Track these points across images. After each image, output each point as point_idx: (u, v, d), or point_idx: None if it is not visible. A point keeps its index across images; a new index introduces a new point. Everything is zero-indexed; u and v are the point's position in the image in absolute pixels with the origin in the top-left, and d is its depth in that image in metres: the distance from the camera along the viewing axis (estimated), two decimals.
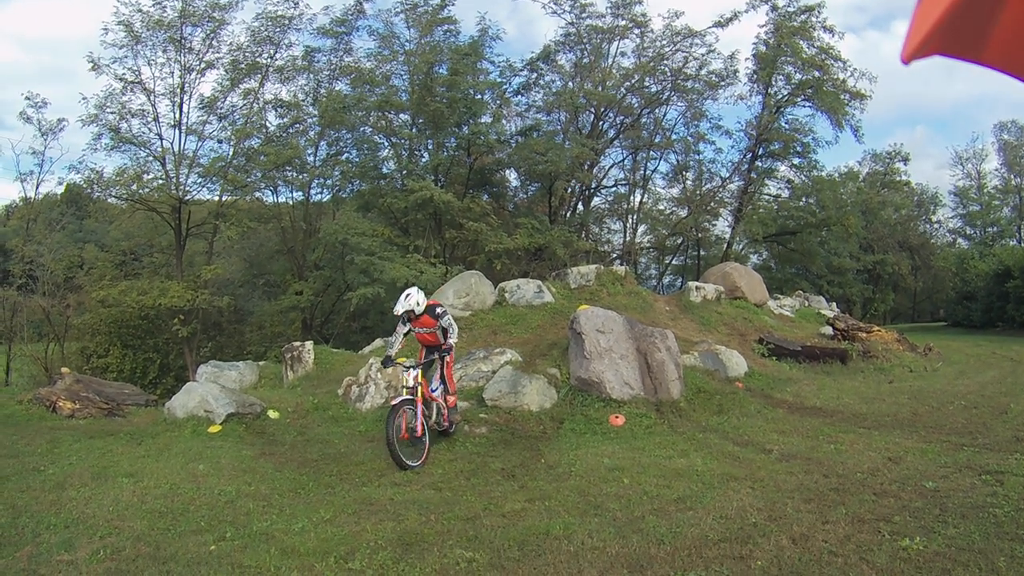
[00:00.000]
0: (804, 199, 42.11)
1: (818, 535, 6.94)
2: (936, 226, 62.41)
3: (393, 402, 11.28)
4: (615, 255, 42.81)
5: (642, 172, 42.20)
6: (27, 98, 30.31)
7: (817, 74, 36.85)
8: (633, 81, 36.62)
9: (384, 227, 30.82)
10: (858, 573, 6.13)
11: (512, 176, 39.41)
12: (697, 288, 24.55)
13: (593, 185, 39.99)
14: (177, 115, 29.67)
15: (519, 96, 38.13)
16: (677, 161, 42.92)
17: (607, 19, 37.33)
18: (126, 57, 28.76)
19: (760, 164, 40.84)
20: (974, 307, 41.01)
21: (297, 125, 33.51)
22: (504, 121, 36.26)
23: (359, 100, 31.97)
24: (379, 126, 34.08)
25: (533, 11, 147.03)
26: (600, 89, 36.06)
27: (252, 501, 8.90)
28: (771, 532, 7.09)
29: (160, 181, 28.96)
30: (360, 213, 32.53)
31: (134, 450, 11.87)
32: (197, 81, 30.19)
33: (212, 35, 29.84)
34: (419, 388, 11.31)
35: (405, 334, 12.15)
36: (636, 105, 37.83)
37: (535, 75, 37.40)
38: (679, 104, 39.55)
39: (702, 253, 46.44)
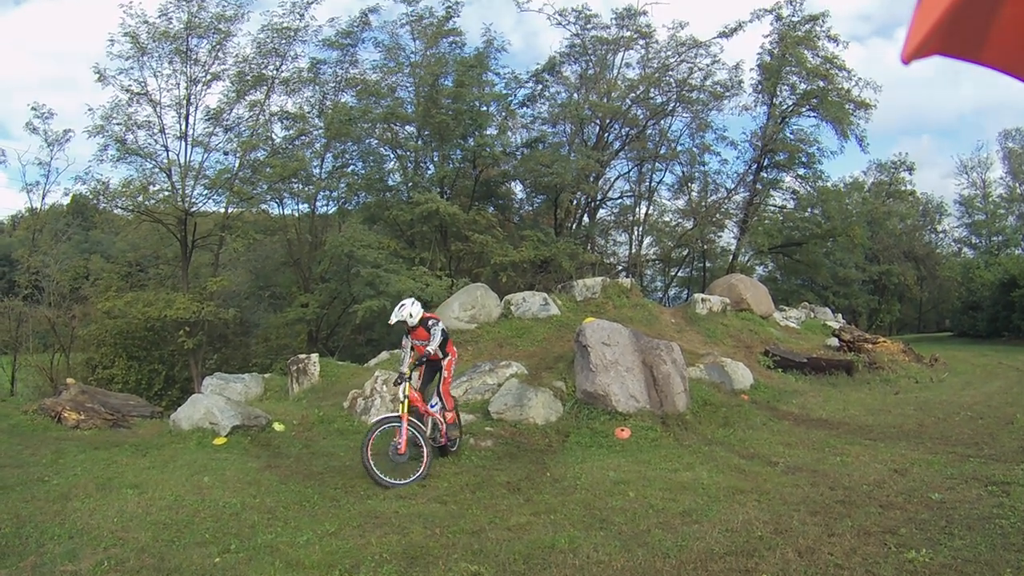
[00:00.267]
0: (809, 210, 41.99)
1: (824, 548, 6.93)
2: (941, 236, 62.33)
3: (375, 419, 11.35)
4: (621, 267, 42.80)
5: (647, 184, 42.23)
6: (33, 108, 30.32)
7: (822, 84, 36.87)
8: (638, 92, 36.60)
9: (390, 239, 30.84)
10: None
11: (518, 188, 39.49)
12: (703, 300, 24.53)
13: (598, 197, 39.91)
14: (183, 127, 29.71)
15: (524, 108, 38.21)
16: (682, 172, 42.86)
17: (612, 30, 37.43)
18: (132, 68, 28.82)
19: (765, 175, 40.86)
20: (980, 317, 40.95)
21: (303, 137, 33.53)
22: (509, 133, 36.24)
23: (365, 112, 32.02)
24: (385, 138, 34.12)
25: (538, 23, 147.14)
26: (605, 100, 36.01)
27: (257, 514, 8.89)
28: (777, 545, 7.08)
29: (166, 193, 28.97)
30: (366, 225, 32.51)
31: (139, 461, 11.87)
32: (203, 93, 30.21)
33: (218, 47, 29.87)
34: (406, 403, 11.26)
35: (411, 348, 12.08)
36: (641, 116, 37.79)
37: (540, 87, 37.51)
38: (684, 115, 39.57)
39: (708, 265, 46.36)
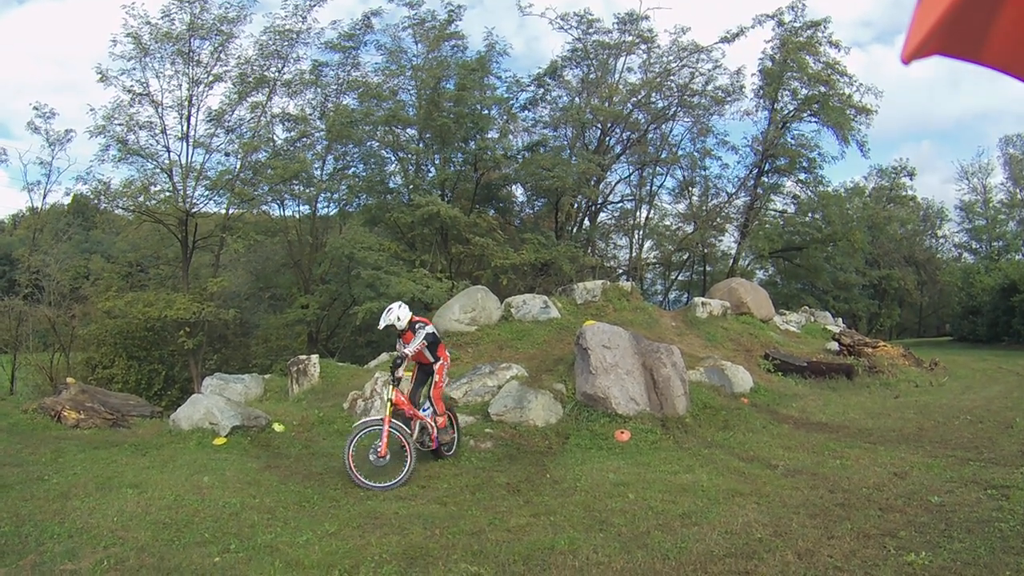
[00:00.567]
0: (810, 214, 41.96)
1: (823, 550, 6.94)
2: (942, 241, 62.35)
3: (357, 423, 11.38)
4: (621, 271, 42.77)
5: (648, 188, 42.22)
6: (35, 108, 30.33)
7: (823, 89, 36.87)
8: (639, 97, 36.62)
9: (390, 242, 30.81)
10: None
11: (518, 191, 39.41)
12: (703, 304, 24.53)
13: (599, 200, 39.89)
14: (185, 127, 29.69)
15: (526, 111, 38.14)
16: (683, 177, 42.89)
17: (614, 35, 37.34)
18: (134, 69, 28.79)
19: (766, 179, 40.83)
20: (980, 322, 40.96)
21: (304, 139, 33.50)
22: (511, 136, 36.26)
23: (366, 115, 32.02)
24: (386, 141, 34.07)
25: (540, 27, 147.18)
26: (607, 105, 36.01)
27: (257, 513, 8.90)
28: (776, 548, 7.08)
29: (167, 193, 28.95)
30: (367, 227, 32.47)
31: (139, 461, 11.89)
32: (205, 94, 30.18)
33: (220, 48, 29.87)
34: (389, 406, 11.27)
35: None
36: (642, 121, 37.77)
37: (542, 90, 37.44)
38: (685, 120, 39.55)
39: (708, 269, 46.30)
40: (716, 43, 36.40)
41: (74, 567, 6.96)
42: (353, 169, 35.54)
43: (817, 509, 8.41)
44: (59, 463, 11.56)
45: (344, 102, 34.38)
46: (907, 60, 1.68)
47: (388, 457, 10.84)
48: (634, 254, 43.09)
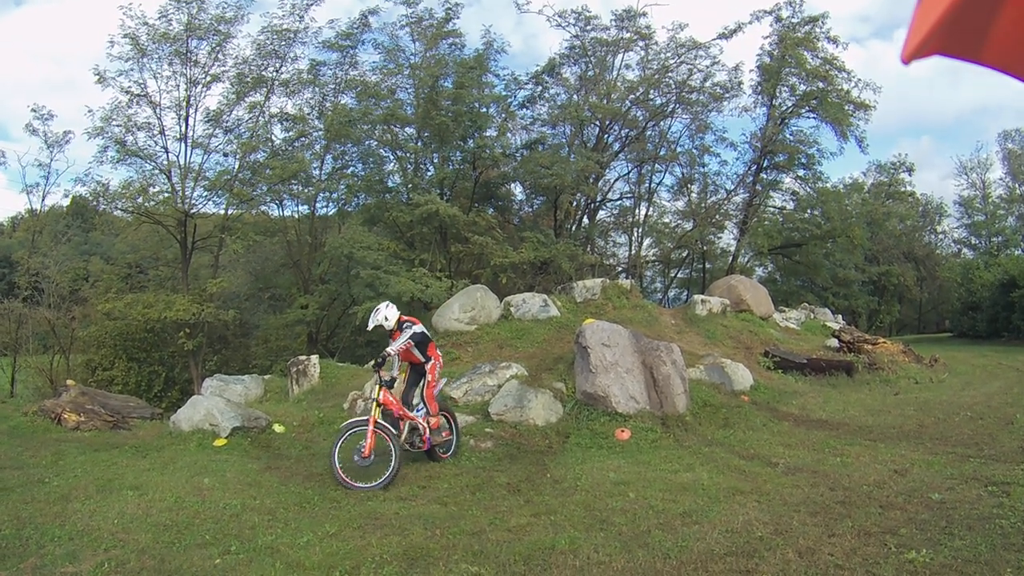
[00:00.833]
0: (809, 211, 41.91)
1: (824, 549, 6.94)
2: (941, 236, 62.22)
3: (344, 424, 11.41)
4: (620, 268, 42.80)
5: (647, 185, 42.29)
6: (33, 110, 30.32)
7: (821, 85, 36.93)
8: (638, 94, 36.61)
9: (390, 241, 30.86)
10: None
11: (517, 190, 39.47)
12: (703, 301, 24.53)
13: (598, 198, 39.91)
14: (183, 128, 29.69)
15: (524, 109, 38.18)
16: (682, 174, 42.89)
17: (611, 32, 37.44)
18: (132, 70, 28.78)
19: (765, 176, 40.89)
20: (979, 317, 40.93)
21: (303, 139, 33.50)
22: (509, 134, 36.27)
23: (364, 114, 32.04)
24: (385, 140, 34.10)
25: (538, 24, 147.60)
26: (605, 102, 35.98)
27: (257, 515, 8.89)
28: (777, 546, 7.08)
29: (166, 194, 28.95)
30: (366, 227, 32.50)
31: (139, 463, 11.89)
32: (203, 94, 30.17)
33: (218, 49, 29.85)
34: (375, 406, 11.27)
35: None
36: (641, 118, 37.80)
37: (540, 88, 37.45)
38: (684, 116, 39.64)
39: (707, 266, 46.37)
40: (714, 39, 36.51)
41: (75, 570, 6.97)
42: (352, 168, 35.62)
43: (818, 507, 8.41)
44: (59, 465, 11.57)
45: (342, 101, 34.43)
46: (907, 60, 1.68)
47: (372, 458, 10.85)
48: (633, 252, 43.17)
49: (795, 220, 41.53)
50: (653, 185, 42.66)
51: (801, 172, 40.44)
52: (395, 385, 12.22)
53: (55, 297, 32.44)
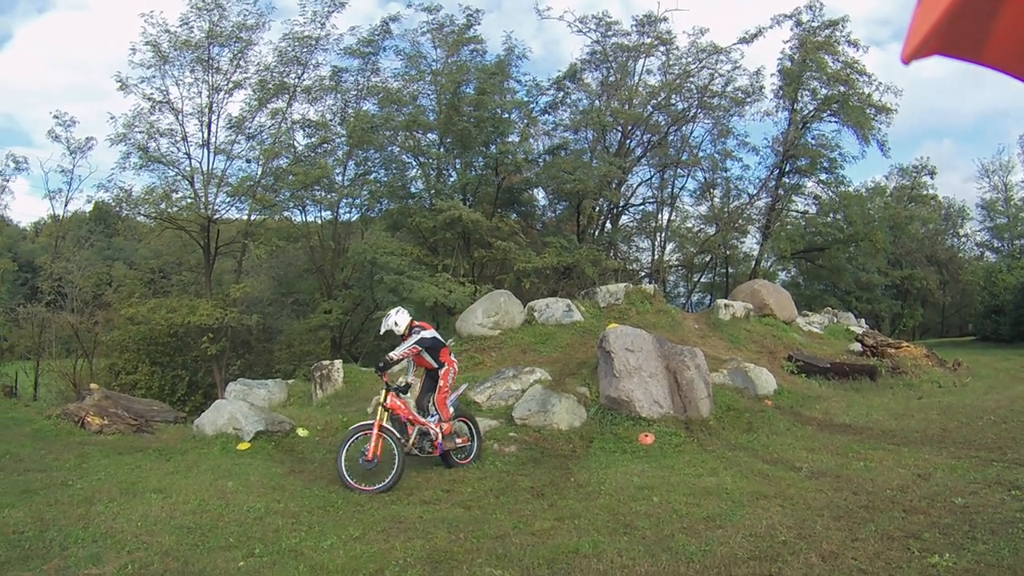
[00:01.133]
0: (832, 215, 41.75)
1: (848, 553, 6.91)
2: (964, 240, 61.60)
3: (352, 427, 11.49)
4: (644, 273, 42.66)
5: (670, 190, 42.07)
6: (55, 117, 30.44)
7: (843, 89, 36.66)
8: (659, 99, 36.49)
9: (413, 246, 30.87)
10: None
11: (540, 195, 39.47)
12: (726, 306, 24.44)
13: (621, 203, 39.83)
14: (205, 135, 29.78)
15: (546, 115, 38.01)
16: (704, 178, 42.76)
17: (632, 37, 37.23)
18: (154, 77, 28.89)
19: (787, 180, 40.63)
20: (1002, 321, 40.55)
21: (325, 145, 33.54)
22: (531, 140, 36.22)
23: (387, 120, 32.08)
24: (407, 146, 34.11)
25: (559, 30, 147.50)
26: (627, 107, 35.89)
27: (281, 518, 8.91)
28: (800, 550, 7.05)
29: (189, 200, 29.06)
30: (389, 232, 32.56)
31: (163, 466, 11.94)
32: (225, 101, 30.28)
33: (239, 55, 29.95)
34: (380, 411, 11.41)
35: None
36: (663, 123, 37.71)
37: (562, 94, 37.35)
38: (706, 121, 39.36)
39: (730, 271, 46.24)
40: (735, 44, 36.26)
41: (98, 571, 6.98)
42: (374, 174, 35.59)
43: (841, 511, 8.37)
44: (83, 468, 11.62)
45: (364, 107, 34.45)
46: (907, 60, 1.69)
47: (375, 461, 10.99)
48: (656, 256, 43.05)
49: (818, 224, 41.36)
50: (676, 190, 42.47)
51: (823, 176, 40.18)
52: (410, 390, 12.32)
53: (78, 302, 32.60)
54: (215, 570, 7.07)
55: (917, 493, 8.95)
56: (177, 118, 29.37)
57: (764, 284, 27.82)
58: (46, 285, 31.28)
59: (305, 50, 31.61)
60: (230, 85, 30.11)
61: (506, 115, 33.34)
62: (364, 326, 35.50)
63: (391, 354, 11.77)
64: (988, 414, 14.93)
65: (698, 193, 44.06)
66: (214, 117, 29.90)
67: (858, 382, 19.61)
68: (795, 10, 37.01)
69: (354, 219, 37.85)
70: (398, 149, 34.33)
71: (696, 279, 49.18)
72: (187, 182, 29.30)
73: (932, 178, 53.93)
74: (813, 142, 39.01)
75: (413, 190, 34.78)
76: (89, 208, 37.09)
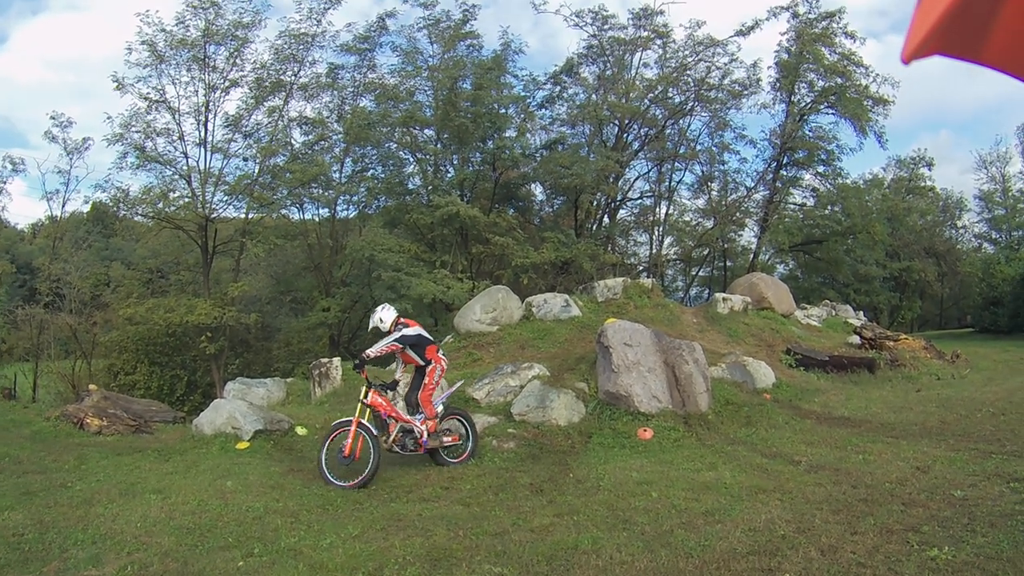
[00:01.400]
0: (829, 207, 41.85)
1: (847, 546, 6.88)
2: (962, 231, 61.58)
3: (334, 423, 11.59)
4: (641, 268, 42.77)
5: (667, 184, 42.17)
6: (52, 117, 30.44)
7: (840, 81, 36.73)
8: (656, 92, 36.54)
9: (410, 243, 30.90)
10: None
11: (538, 190, 39.54)
12: (724, 299, 24.43)
13: (618, 198, 39.97)
14: (202, 133, 29.84)
15: (543, 109, 38.24)
16: (702, 172, 42.86)
17: (629, 31, 37.40)
18: (150, 76, 28.96)
19: (785, 173, 40.71)
20: (1001, 312, 40.55)
21: (322, 142, 33.65)
22: (529, 135, 36.35)
23: (384, 116, 32.15)
24: (404, 142, 34.20)
25: (555, 24, 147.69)
26: (624, 101, 35.98)
27: (280, 517, 8.90)
28: (799, 544, 7.03)
29: (186, 199, 29.10)
30: (386, 229, 32.65)
31: (162, 467, 11.95)
32: (222, 99, 30.34)
33: (236, 54, 30.01)
34: (360, 407, 11.47)
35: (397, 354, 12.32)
36: (660, 116, 37.77)
37: (558, 88, 37.53)
38: (703, 114, 39.45)
39: (728, 264, 46.31)
40: (731, 36, 36.35)
41: (98, 573, 6.98)
42: (372, 171, 35.69)
43: (840, 505, 8.35)
44: (82, 470, 11.63)
45: (361, 104, 34.64)
46: (907, 60, 1.68)
47: (352, 457, 11.07)
48: (654, 251, 43.13)
49: (815, 217, 41.49)
50: (673, 183, 42.59)
51: (821, 168, 40.26)
52: (398, 387, 12.45)
53: (76, 303, 32.65)
54: (214, 570, 7.07)
55: (916, 486, 8.93)
56: (174, 117, 29.49)
57: (762, 277, 27.79)
58: (44, 286, 31.33)
59: (301, 47, 31.72)
60: (226, 83, 30.19)
61: (503, 110, 33.43)
62: (363, 324, 35.44)
63: (368, 351, 11.80)
64: (987, 406, 14.93)
65: (696, 186, 44.29)
66: (211, 116, 30.03)
67: (857, 375, 19.61)
68: (792, 2, 37.12)
69: (352, 216, 38.02)
70: (395, 145, 34.48)
71: (694, 273, 49.27)
72: (184, 181, 29.38)
73: (930, 170, 54.19)
74: (810, 134, 39.09)
75: (410, 186, 34.93)
76: (87, 209, 37.17)
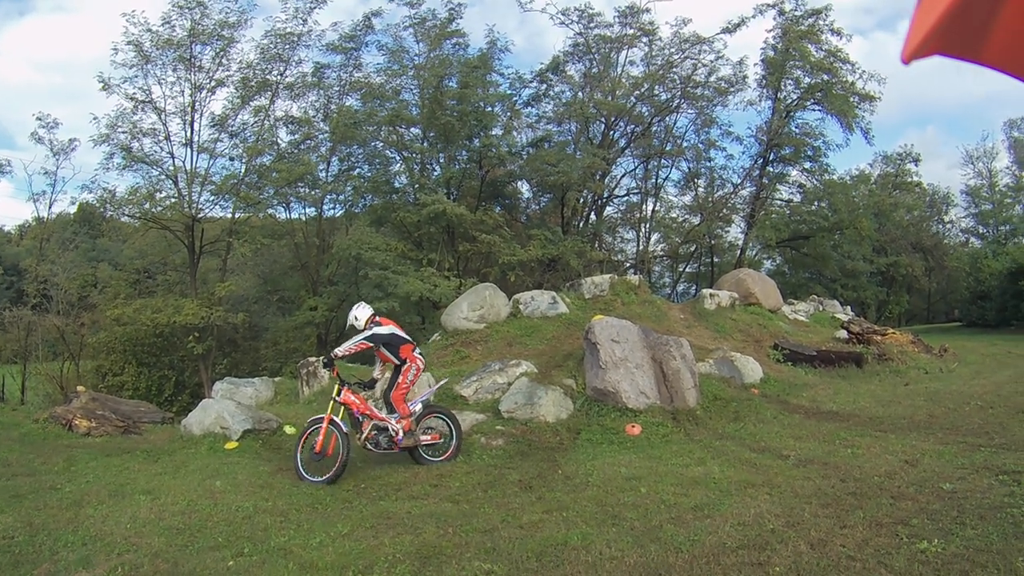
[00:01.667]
0: (816, 203, 41.94)
1: (836, 540, 6.92)
2: (949, 226, 61.81)
3: (309, 419, 11.84)
4: (629, 264, 42.74)
5: (654, 180, 42.19)
6: (38, 118, 30.27)
7: (826, 77, 36.78)
8: (643, 90, 36.54)
9: (397, 241, 30.89)
10: None
11: (524, 188, 39.54)
12: (711, 295, 24.48)
13: (605, 195, 39.93)
14: (188, 133, 29.75)
15: (529, 107, 38.21)
16: (689, 168, 42.86)
17: (615, 28, 37.38)
18: (136, 77, 28.87)
19: (771, 169, 40.77)
20: (988, 306, 40.72)
21: (308, 141, 33.59)
22: (515, 133, 36.44)
23: (370, 115, 32.13)
24: (390, 140, 34.17)
25: (541, 22, 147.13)
26: (610, 99, 35.99)
27: (270, 516, 8.92)
28: (789, 538, 7.06)
29: (173, 199, 29.03)
30: (373, 228, 32.59)
31: (151, 467, 11.94)
32: (208, 99, 30.26)
33: (221, 53, 29.95)
34: (332, 404, 11.68)
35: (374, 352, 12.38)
36: (646, 114, 37.79)
37: (545, 86, 37.46)
38: (689, 111, 39.45)
39: (715, 260, 46.33)
40: (718, 34, 36.40)
41: (88, 575, 6.99)
42: (358, 170, 35.64)
43: (829, 499, 8.39)
44: (71, 471, 11.61)
45: (347, 103, 34.56)
46: (907, 60, 1.69)
47: (324, 453, 11.21)
48: (641, 247, 43.15)
49: (802, 212, 41.58)
50: (660, 180, 42.61)
51: (807, 164, 40.29)
52: (376, 385, 12.68)
53: (64, 304, 32.53)
54: (204, 570, 7.08)
55: (905, 479, 8.97)
56: (160, 117, 29.40)
57: (749, 273, 27.82)
58: (31, 288, 31.17)
59: (287, 47, 31.64)
60: (213, 83, 30.12)
61: (489, 108, 33.44)
62: None
63: (336, 349, 11.92)
64: (975, 399, 14.98)
65: (682, 183, 44.35)
66: (197, 116, 29.96)
67: (844, 369, 19.68)
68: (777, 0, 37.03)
69: (338, 215, 37.91)
70: (381, 144, 34.46)
71: (681, 269, 49.38)
72: (171, 181, 29.32)
73: (916, 165, 54.10)
74: (797, 131, 39.15)
75: (397, 185, 34.90)
76: (73, 210, 36.93)
